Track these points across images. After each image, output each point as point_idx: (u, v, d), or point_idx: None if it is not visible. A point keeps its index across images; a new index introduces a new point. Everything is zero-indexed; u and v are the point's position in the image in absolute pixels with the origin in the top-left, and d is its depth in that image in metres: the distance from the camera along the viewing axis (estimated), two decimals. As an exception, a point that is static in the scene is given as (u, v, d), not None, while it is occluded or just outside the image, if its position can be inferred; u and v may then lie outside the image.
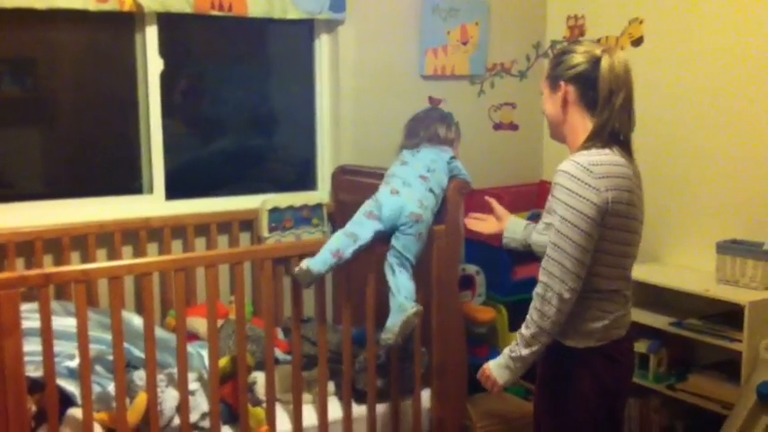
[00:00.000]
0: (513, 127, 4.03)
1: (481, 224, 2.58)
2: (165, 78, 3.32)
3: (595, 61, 2.03)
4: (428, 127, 3.03)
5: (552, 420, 2.20)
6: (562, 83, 2.09)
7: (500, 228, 2.50)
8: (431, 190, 2.86)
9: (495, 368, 2.13)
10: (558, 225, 1.98)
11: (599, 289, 2.06)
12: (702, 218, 3.29)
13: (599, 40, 3.67)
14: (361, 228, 2.77)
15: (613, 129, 2.03)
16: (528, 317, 2.05)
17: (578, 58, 2.06)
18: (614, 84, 2.02)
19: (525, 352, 2.05)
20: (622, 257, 2.08)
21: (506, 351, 2.11)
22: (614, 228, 2.01)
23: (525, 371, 2.10)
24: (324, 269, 2.68)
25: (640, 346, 3.18)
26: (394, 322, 2.73)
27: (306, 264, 2.65)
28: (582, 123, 2.08)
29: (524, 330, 2.05)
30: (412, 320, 2.75)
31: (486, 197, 2.62)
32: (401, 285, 2.78)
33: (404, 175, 2.88)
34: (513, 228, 2.43)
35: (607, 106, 2.02)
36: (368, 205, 2.84)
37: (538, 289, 2.02)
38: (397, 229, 2.78)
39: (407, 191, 2.82)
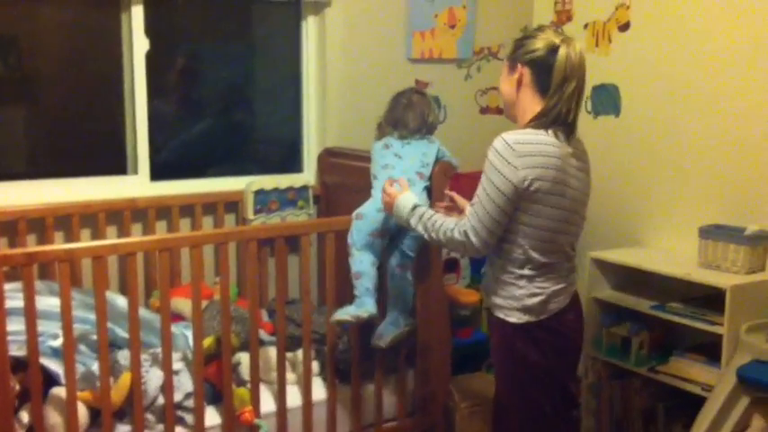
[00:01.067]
0: (499, 111, 4.02)
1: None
2: (151, 59, 3.30)
3: (553, 49, 2.17)
4: (419, 116, 2.93)
5: (509, 395, 2.33)
6: (519, 65, 2.24)
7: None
8: (426, 188, 2.86)
9: (400, 203, 2.42)
10: (479, 193, 2.18)
11: (532, 264, 2.19)
12: (685, 202, 3.31)
13: (586, 26, 3.68)
14: (375, 251, 2.80)
15: (560, 113, 2.16)
16: (441, 228, 2.27)
17: (538, 44, 2.20)
18: (568, 72, 2.16)
19: (415, 226, 2.36)
20: (555, 233, 2.19)
21: (412, 217, 2.36)
22: (540, 203, 2.14)
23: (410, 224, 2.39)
24: (375, 306, 2.78)
25: (622, 330, 3.22)
26: (386, 333, 2.84)
27: (366, 313, 2.73)
28: (531, 105, 2.22)
29: (430, 224, 2.31)
30: (404, 336, 2.86)
31: (446, 191, 2.72)
32: (399, 296, 2.85)
33: (404, 171, 2.82)
34: None
35: (557, 92, 2.16)
36: (374, 219, 2.78)
37: (455, 231, 2.22)
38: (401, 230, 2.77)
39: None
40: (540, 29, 2.27)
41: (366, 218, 2.80)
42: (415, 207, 2.39)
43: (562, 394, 2.31)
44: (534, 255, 2.18)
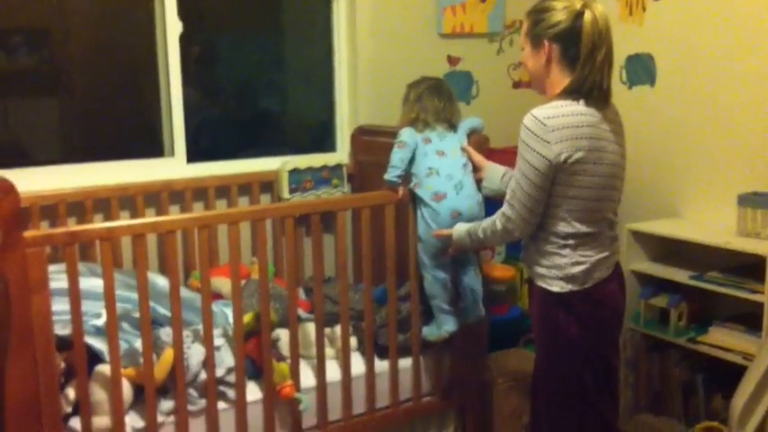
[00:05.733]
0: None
1: None
2: (184, 41, 3.33)
3: (576, 16, 2.10)
4: (453, 110, 2.89)
5: (548, 367, 2.30)
6: (546, 41, 2.16)
7: (479, 177, 2.65)
8: (471, 171, 2.83)
9: (458, 239, 2.53)
10: (516, 174, 2.18)
11: (575, 234, 2.17)
12: (723, 171, 3.25)
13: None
14: (445, 267, 2.83)
15: (594, 83, 2.11)
16: (486, 230, 2.36)
17: (559, 16, 2.13)
18: (597, 39, 2.09)
19: (478, 245, 2.53)
20: (596, 201, 2.17)
21: (470, 241, 2.49)
22: (578, 174, 2.11)
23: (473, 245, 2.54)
24: (454, 322, 2.89)
25: (661, 301, 3.19)
26: (430, 333, 2.92)
27: (446, 333, 2.87)
28: (561, 78, 2.17)
29: (480, 234, 2.40)
30: (444, 338, 2.92)
31: (463, 145, 2.72)
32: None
33: (450, 172, 2.76)
34: (491, 177, 2.60)
35: (588, 61, 2.10)
36: (430, 244, 2.78)
37: (497, 222, 2.28)
38: None
39: (464, 199, 2.74)
40: None
41: (424, 242, 2.82)
42: (467, 232, 2.47)
43: (603, 367, 2.26)
44: (578, 225, 2.16)
